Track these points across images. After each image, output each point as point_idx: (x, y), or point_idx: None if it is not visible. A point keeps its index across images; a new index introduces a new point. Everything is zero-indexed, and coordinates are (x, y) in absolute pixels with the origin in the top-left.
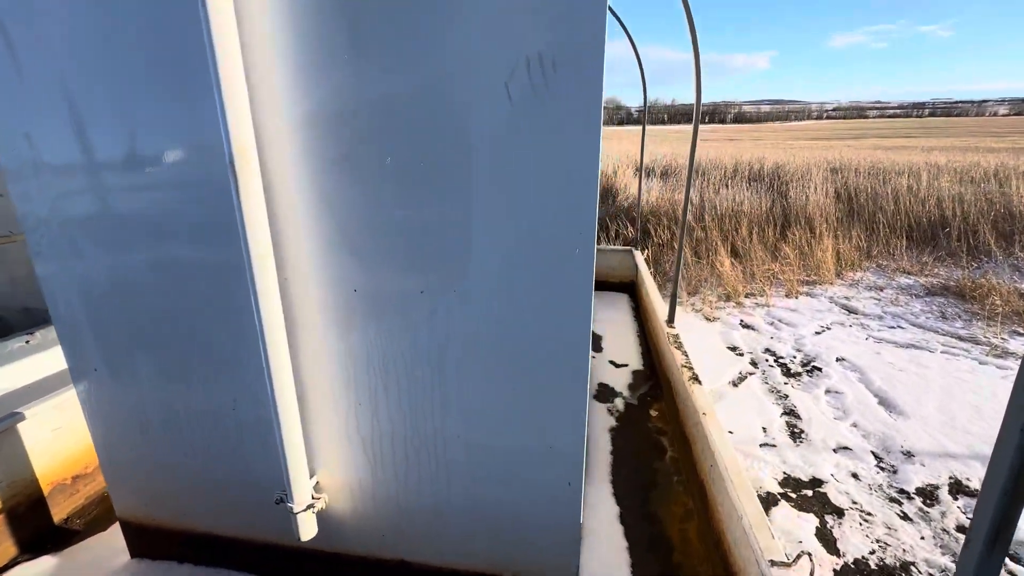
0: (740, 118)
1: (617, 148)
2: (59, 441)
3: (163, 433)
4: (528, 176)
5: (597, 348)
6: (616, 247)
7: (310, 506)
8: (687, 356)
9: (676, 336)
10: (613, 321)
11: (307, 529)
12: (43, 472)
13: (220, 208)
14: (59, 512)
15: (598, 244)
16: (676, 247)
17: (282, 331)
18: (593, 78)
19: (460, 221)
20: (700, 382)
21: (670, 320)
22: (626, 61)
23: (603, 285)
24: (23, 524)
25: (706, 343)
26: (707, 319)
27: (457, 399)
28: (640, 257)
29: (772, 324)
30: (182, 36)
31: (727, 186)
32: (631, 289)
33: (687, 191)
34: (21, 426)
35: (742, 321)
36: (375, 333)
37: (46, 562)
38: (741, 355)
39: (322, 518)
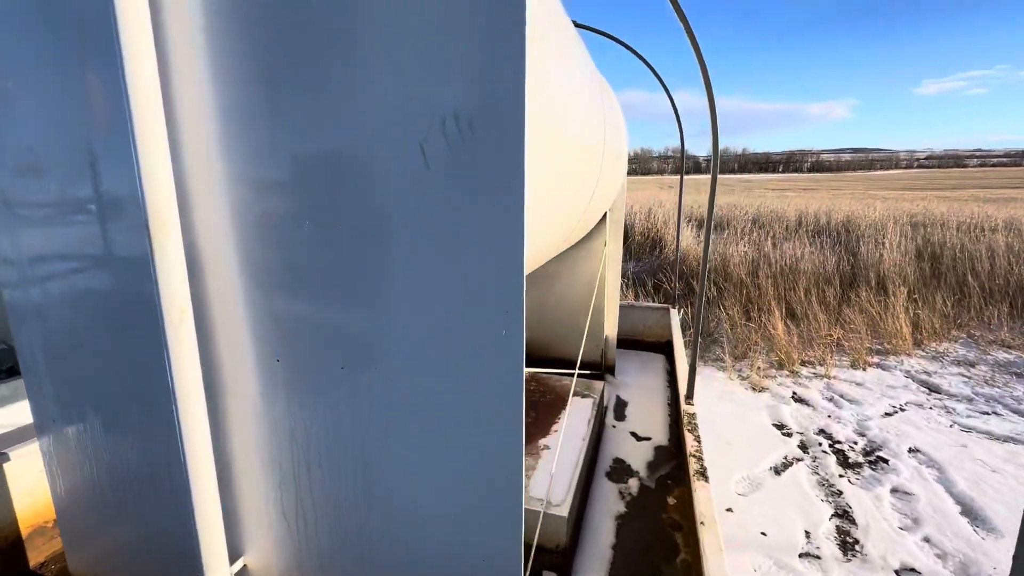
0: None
1: (673, 198)
2: (42, 484)
3: (110, 490)
4: (446, 248)
5: (620, 416)
6: (652, 304)
7: None
8: (699, 442)
9: (692, 416)
10: (643, 386)
11: None
12: (24, 515)
13: (142, 269)
14: (35, 556)
15: (635, 300)
16: (718, 307)
17: (199, 397)
18: (512, 140)
19: (377, 297)
20: (707, 478)
21: (688, 395)
22: (695, 111)
23: (638, 344)
24: None
25: (748, 418)
26: (753, 388)
27: (381, 493)
28: (676, 317)
29: (831, 400)
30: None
31: (787, 239)
32: (668, 350)
33: (705, 248)
34: (6, 466)
35: (795, 394)
36: (298, 406)
37: None
38: (789, 435)
39: None
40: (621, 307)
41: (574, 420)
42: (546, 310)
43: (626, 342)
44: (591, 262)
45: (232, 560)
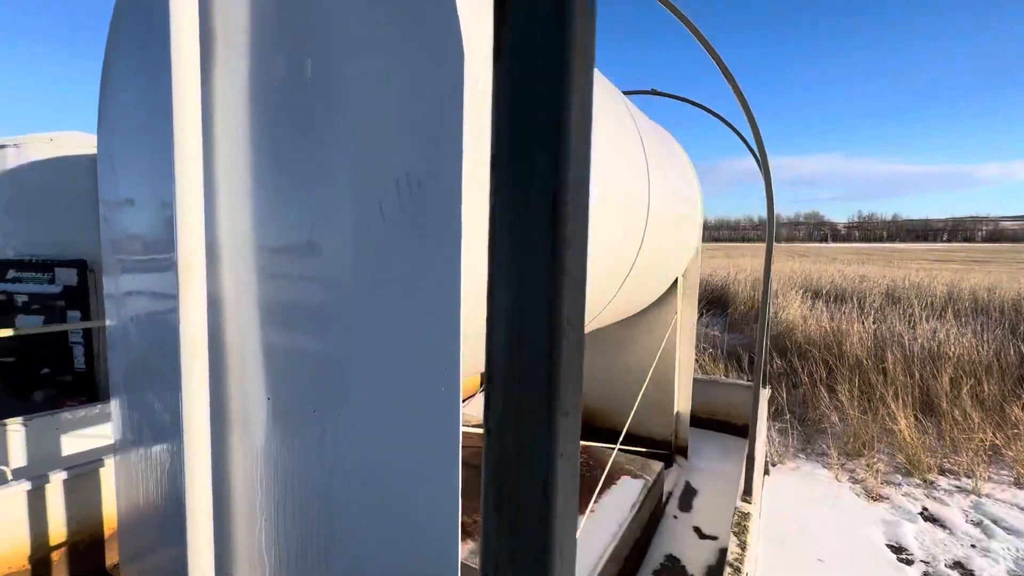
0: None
1: (800, 267)
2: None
3: (154, 509)
4: (395, 296)
5: (685, 506)
6: (739, 381)
7: None
8: (743, 549)
9: (744, 516)
10: (719, 475)
11: None
12: (108, 517)
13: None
14: (112, 556)
15: (726, 375)
16: (827, 391)
17: (204, 427)
18: (450, 204)
19: (339, 340)
20: None
21: (746, 490)
22: (829, 174)
23: (722, 426)
24: (80, 560)
25: (854, 532)
26: (868, 496)
27: (340, 539)
28: (763, 396)
29: (978, 524)
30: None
31: (931, 318)
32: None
33: (762, 322)
34: (102, 471)
35: (925, 510)
36: (280, 443)
37: None
38: (908, 562)
39: None
40: (703, 382)
41: (613, 501)
42: (611, 377)
43: (708, 422)
44: (661, 330)
45: None
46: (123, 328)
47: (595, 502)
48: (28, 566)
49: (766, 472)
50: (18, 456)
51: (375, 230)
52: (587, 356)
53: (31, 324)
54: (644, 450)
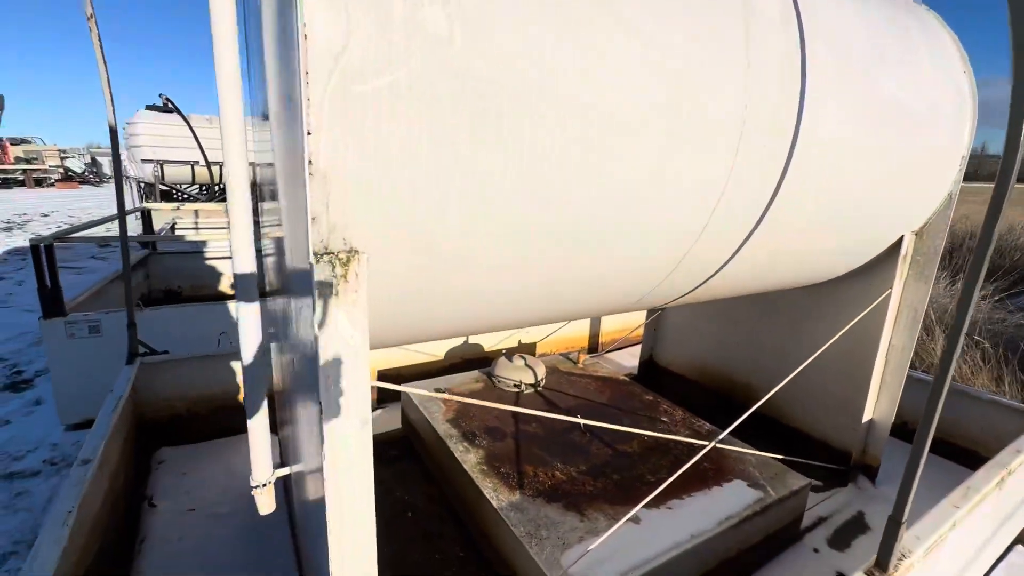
0: None
1: None
2: None
3: None
4: None
5: (839, 543)
6: (999, 398)
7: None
8: None
9: None
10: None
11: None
12: None
13: None
14: None
15: (996, 390)
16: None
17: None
18: None
19: None
20: None
21: (880, 563)
22: None
23: (953, 453)
24: None
25: None
26: None
27: None
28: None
29: None
30: None
31: None
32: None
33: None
34: None
35: None
36: None
37: None
38: None
39: None
40: (953, 390)
41: (699, 505)
42: (784, 356)
43: (942, 446)
44: (866, 307)
45: None
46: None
47: (687, 498)
48: None
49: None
50: None
51: None
52: (751, 322)
53: None
54: (803, 461)
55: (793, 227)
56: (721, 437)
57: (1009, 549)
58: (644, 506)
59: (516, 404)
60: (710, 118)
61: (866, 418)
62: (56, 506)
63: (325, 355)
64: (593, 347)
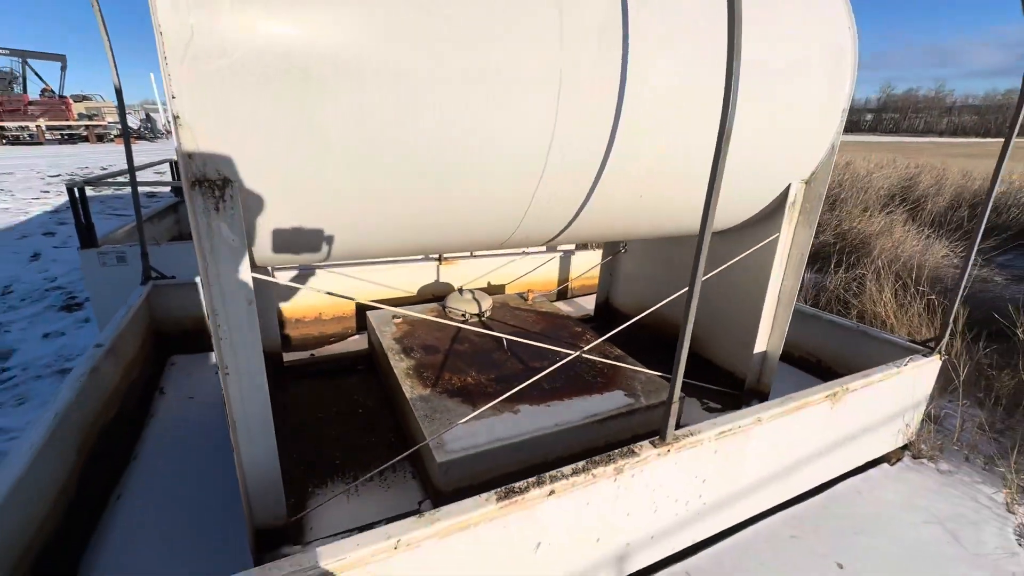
0: None
1: None
2: None
3: None
4: None
5: None
6: (894, 337)
7: None
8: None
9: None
10: None
11: None
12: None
13: None
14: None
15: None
16: None
17: None
18: None
19: None
20: None
21: (661, 437)
22: None
23: None
24: None
25: None
26: None
27: None
28: (930, 370)
29: None
30: None
31: None
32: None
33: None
34: None
35: None
36: None
37: None
38: None
39: None
40: (837, 326)
41: (579, 406)
42: (705, 296)
43: (819, 368)
44: (761, 251)
45: None
46: None
47: (556, 400)
48: None
49: (892, 459)
50: None
51: None
52: (682, 267)
53: None
54: (703, 385)
55: (638, 173)
56: (590, 347)
57: (874, 464)
58: (529, 403)
59: (459, 331)
60: (524, 80)
61: (758, 349)
62: (73, 372)
63: (215, 255)
64: (563, 292)
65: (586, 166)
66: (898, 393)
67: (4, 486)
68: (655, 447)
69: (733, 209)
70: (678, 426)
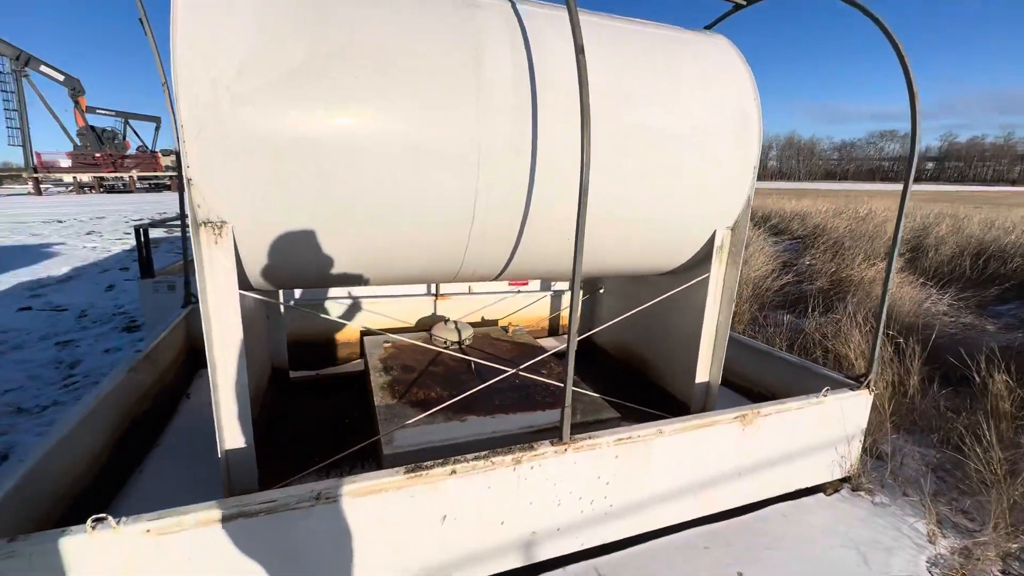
0: None
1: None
2: None
3: None
4: None
5: None
6: (829, 372)
7: None
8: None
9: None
10: None
11: None
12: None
13: None
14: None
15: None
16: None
17: None
18: None
19: None
20: None
21: (560, 439)
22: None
23: None
24: None
25: None
26: None
27: None
28: (862, 404)
29: None
30: None
31: None
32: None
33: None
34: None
35: None
36: None
37: None
38: None
39: None
40: (784, 361)
41: (522, 418)
42: (659, 329)
43: (751, 392)
44: (698, 289)
45: None
46: None
47: (502, 413)
48: None
49: (829, 490)
50: None
51: None
52: (644, 303)
53: None
54: (648, 411)
55: (560, 216)
56: (527, 365)
57: (810, 492)
58: (477, 414)
59: (439, 355)
60: (449, 144)
61: (700, 377)
62: (115, 369)
63: (212, 278)
64: (553, 328)
65: (511, 212)
66: (824, 424)
67: (52, 438)
68: (552, 445)
69: (669, 252)
70: None
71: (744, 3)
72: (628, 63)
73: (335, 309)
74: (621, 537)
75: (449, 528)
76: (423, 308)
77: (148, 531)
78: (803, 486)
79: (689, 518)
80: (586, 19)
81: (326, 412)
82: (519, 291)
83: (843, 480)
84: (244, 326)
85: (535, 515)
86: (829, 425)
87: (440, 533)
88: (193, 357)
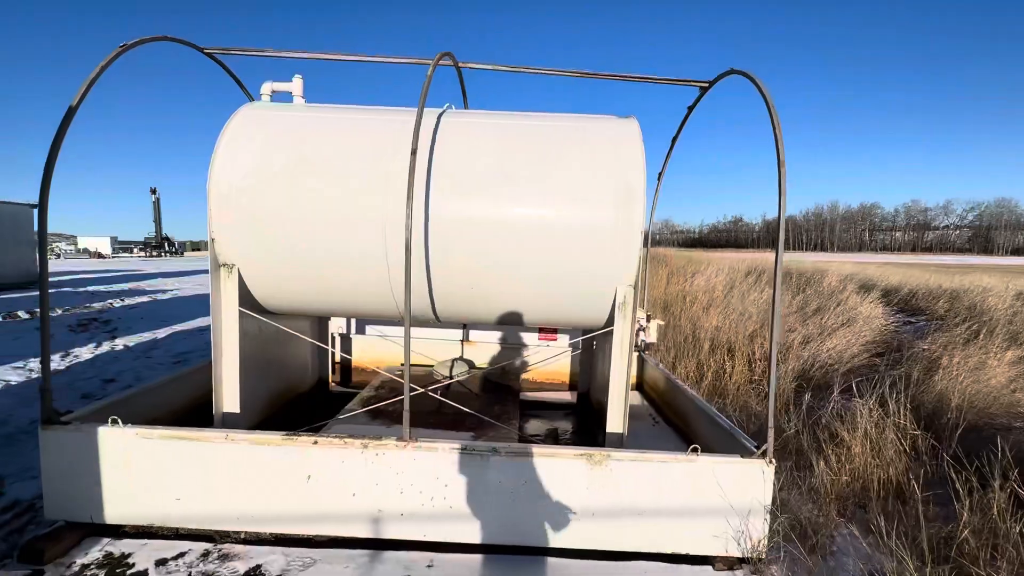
0: None
1: None
2: None
3: None
4: None
5: None
6: (740, 434)
7: None
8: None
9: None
10: None
11: None
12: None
13: None
14: None
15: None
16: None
17: None
18: None
19: None
20: None
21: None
22: None
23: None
24: None
25: None
26: None
27: None
28: (765, 475)
29: None
30: None
31: None
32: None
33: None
34: None
35: None
36: None
37: None
38: None
39: None
40: (699, 411)
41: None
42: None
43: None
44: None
45: None
46: None
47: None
48: None
49: (718, 565)
50: None
51: None
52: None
53: None
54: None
55: (457, 268)
56: (487, 416)
57: (699, 561)
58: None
59: (435, 389)
60: (366, 215)
61: (609, 430)
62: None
63: (225, 304)
64: (573, 384)
65: (415, 264)
66: (702, 487)
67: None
68: (396, 441)
69: (581, 307)
70: None
71: (707, 85)
72: (511, 150)
73: (379, 344)
74: (466, 541)
75: (314, 486)
76: (452, 351)
77: (136, 434)
78: (679, 551)
79: (536, 544)
80: (482, 120)
81: (327, 412)
82: (548, 344)
83: (741, 560)
84: (274, 340)
85: (381, 496)
86: (709, 490)
87: (307, 488)
88: None
